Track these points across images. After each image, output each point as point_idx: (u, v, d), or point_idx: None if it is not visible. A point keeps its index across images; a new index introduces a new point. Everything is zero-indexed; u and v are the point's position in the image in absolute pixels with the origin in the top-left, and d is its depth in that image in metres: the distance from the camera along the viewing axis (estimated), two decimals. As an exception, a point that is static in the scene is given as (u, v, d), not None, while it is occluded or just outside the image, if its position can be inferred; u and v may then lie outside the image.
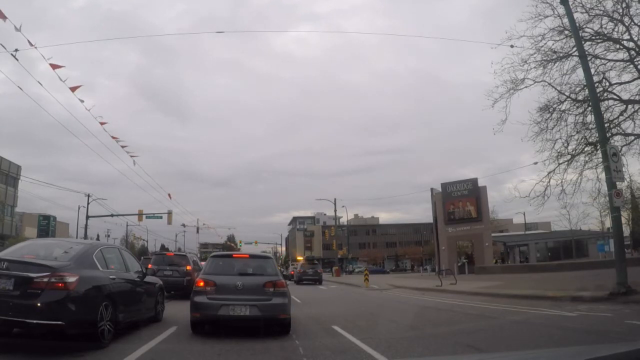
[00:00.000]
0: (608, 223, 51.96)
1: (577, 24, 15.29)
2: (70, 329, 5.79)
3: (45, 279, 5.72)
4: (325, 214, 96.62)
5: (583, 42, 15.32)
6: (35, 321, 5.51)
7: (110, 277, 7.05)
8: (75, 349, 5.92)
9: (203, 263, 12.21)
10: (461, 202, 41.44)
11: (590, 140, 16.44)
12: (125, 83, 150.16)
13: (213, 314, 7.51)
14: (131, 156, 25.05)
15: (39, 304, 5.57)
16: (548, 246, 51.17)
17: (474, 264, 37.91)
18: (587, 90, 16.41)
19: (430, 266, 50.77)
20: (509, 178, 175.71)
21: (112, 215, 48.07)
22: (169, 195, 40.81)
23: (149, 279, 9.06)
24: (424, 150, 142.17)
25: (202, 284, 7.80)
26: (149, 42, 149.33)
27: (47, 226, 58.31)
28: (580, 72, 16.42)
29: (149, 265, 15.82)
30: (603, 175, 16.05)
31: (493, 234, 46.02)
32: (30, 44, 13.38)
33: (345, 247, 64.62)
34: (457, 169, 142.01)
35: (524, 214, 61.88)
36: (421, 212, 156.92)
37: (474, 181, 41.75)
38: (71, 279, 5.92)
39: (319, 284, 33.14)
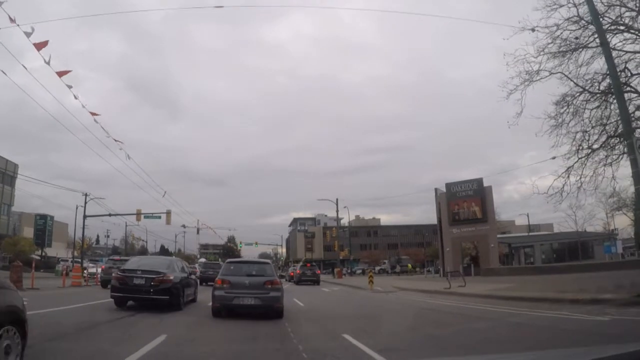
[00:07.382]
0: (614, 224, 51.25)
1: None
2: (171, 301, 11.70)
3: (160, 278, 11.76)
4: (325, 215, 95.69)
5: (601, 32, 14.53)
6: (156, 297, 11.54)
7: (181, 275, 12.96)
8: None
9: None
10: (466, 202, 40.60)
11: (609, 133, 15.63)
12: (110, 75, 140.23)
13: (228, 304, 10.51)
14: (126, 153, 24.23)
15: (157, 290, 11.57)
16: (553, 247, 50.34)
17: (478, 266, 37.06)
18: (605, 81, 15.64)
19: (434, 268, 49.80)
20: (508, 179, 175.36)
21: (109, 215, 47.13)
22: (164, 192, 39.98)
23: (191, 276, 15.26)
24: (424, 150, 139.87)
25: (220, 282, 10.80)
26: (135, 31, 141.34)
27: (43, 225, 56.99)
28: (596, 64, 15.73)
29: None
30: (618, 173, 15.41)
31: (497, 235, 45.15)
32: (27, 37, 12.54)
33: (346, 248, 63.71)
34: (459, 171, 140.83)
35: (527, 215, 61.26)
36: (422, 214, 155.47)
37: (479, 181, 40.89)
38: (171, 277, 11.98)
39: (317, 284, 33.98)
